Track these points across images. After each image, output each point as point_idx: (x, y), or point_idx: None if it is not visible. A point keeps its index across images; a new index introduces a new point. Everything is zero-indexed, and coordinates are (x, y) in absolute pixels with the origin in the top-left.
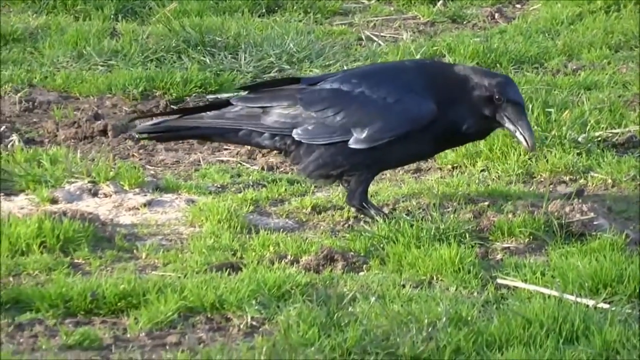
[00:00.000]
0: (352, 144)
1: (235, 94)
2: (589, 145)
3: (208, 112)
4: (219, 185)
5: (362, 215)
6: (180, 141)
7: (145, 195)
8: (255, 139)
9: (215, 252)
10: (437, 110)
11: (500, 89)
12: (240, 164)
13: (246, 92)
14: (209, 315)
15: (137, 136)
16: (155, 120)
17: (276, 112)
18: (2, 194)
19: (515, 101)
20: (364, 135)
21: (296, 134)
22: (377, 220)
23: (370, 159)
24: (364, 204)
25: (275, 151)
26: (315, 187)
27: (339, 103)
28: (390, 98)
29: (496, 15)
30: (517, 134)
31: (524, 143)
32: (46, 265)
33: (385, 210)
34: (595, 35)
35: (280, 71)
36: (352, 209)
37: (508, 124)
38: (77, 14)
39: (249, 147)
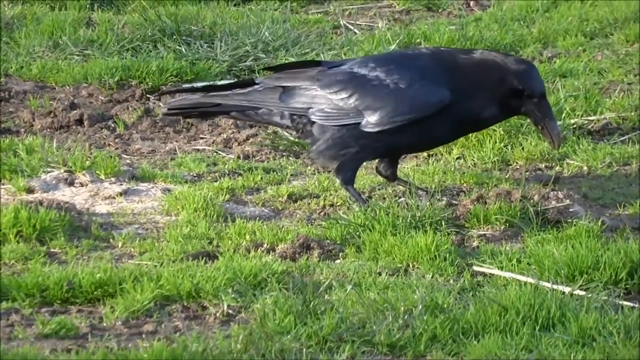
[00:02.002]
0: (364, 127)
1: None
2: (565, 132)
3: (233, 90)
4: (195, 174)
5: (346, 193)
6: (206, 119)
7: (122, 185)
8: (273, 118)
9: (192, 241)
10: (452, 97)
11: (530, 82)
12: (216, 152)
13: (271, 72)
14: (185, 304)
15: (163, 114)
16: (180, 96)
17: (295, 92)
18: None
19: (542, 95)
20: (375, 118)
21: (312, 113)
22: (355, 203)
23: (381, 142)
24: (348, 185)
25: (292, 130)
26: (291, 175)
27: (353, 86)
28: (403, 83)
29: (471, 3)
30: (545, 131)
31: (550, 141)
32: (22, 254)
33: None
34: (570, 23)
35: (256, 60)
36: (336, 182)
37: (534, 119)
38: (52, 3)
39: (225, 136)
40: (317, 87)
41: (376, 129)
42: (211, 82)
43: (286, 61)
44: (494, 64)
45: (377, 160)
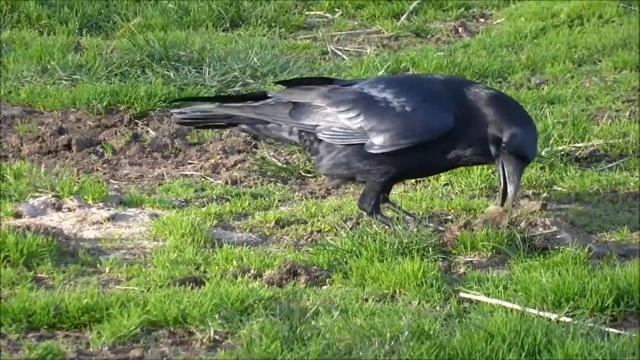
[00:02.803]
0: (368, 148)
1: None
2: (552, 159)
3: (244, 102)
4: (182, 200)
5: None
6: (215, 129)
7: (109, 210)
8: (282, 133)
9: (179, 266)
10: (455, 124)
11: (511, 136)
12: (204, 178)
13: (283, 87)
14: (172, 330)
15: (175, 122)
16: (194, 106)
17: (304, 109)
18: None
19: (518, 155)
20: (379, 140)
21: (319, 131)
22: (385, 227)
23: (385, 164)
24: (374, 212)
25: (298, 147)
26: (278, 201)
27: (361, 106)
28: (409, 106)
29: (460, 29)
30: (502, 187)
31: (500, 198)
32: (10, 279)
33: (350, 224)
34: (558, 50)
35: (245, 85)
36: (364, 215)
37: (502, 172)
38: (41, 28)
39: (213, 161)
40: (326, 105)
41: (380, 151)
42: (224, 94)
43: (275, 86)
44: (494, 108)
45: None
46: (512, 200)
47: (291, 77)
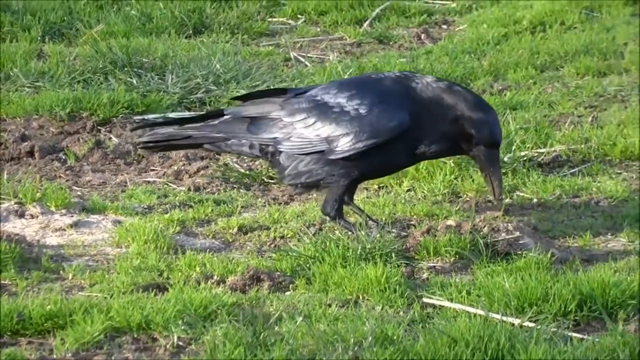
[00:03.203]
0: (328, 155)
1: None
2: (515, 164)
3: (202, 122)
4: (145, 206)
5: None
6: (176, 151)
7: (72, 216)
8: (243, 148)
9: (142, 273)
10: (411, 121)
11: (480, 129)
12: (167, 184)
13: (239, 102)
14: (136, 336)
15: (139, 147)
16: (153, 130)
17: (261, 123)
18: None
19: (491, 144)
20: (338, 146)
21: (278, 143)
22: (348, 232)
23: (347, 168)
24: (337, 217)
25: (261, 159)
26: (241, 207)
27: (316, 114)
28: (363, 109)
29: (422, 35)
30: (487, 179)
31: (491, 191)
32: None
33: (312, 230)
34: (521, 56)
35: (207, 92)
36: (326, 219)
37: (479, 165)
38: (3, 35)
39: (176, 168)
40: (282, 116)
41: (339, 156)
42: (183, 115)
43: (237, 93)
44: (454, 102)
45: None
46: (500, 189)
47: (254, 84)
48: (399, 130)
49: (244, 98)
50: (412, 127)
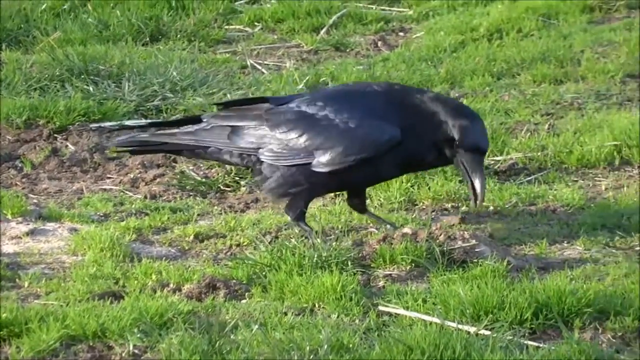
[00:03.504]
0: (315, 167)
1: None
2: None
3: (180, 128)
4: (101, 214)
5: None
6: (154, 154)
7: (28, 224)
8: (223, 156)
9: (98, 281)
10: (402, 135)
11: (462, 133)
12: (123, 192)
13: (218, 109)
14: (91, 344)
15: (113, 150)
16: (130, 134)
17: (243, 132)
18: None
19: (473, 149)
20: (326, 158)
21: (261, 153)
22: (308, 239)
23: (331, 180)
24: (298, 219)
25: (243, 168)
26: (197, 215)
27: (303, 126)
28: (353, 122)
29: (379, 43)
30: (469, 184)
31: (472, 197)
32: None
33: (269, 238)
34: (477, 63)
35: (164, 100)
36: (288, 219)
37: (463, 171)
38: None
39: (132, 175)
40: (265, 126)
41: (327, 169)
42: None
43: (194, 101)
44: (440, 111)
45: (346, 195)
46: (483, 195)
47: (211, 92)
48: (390, 145)
49: (224, 105)
50: (402, 140)
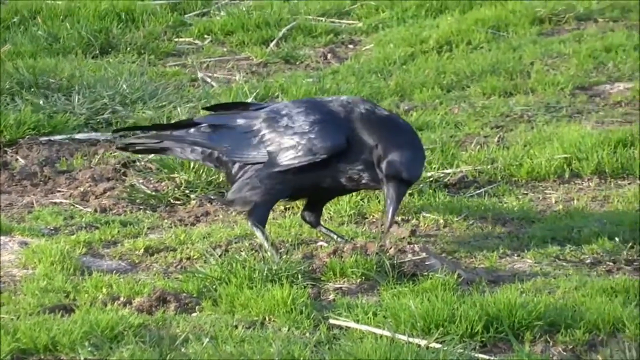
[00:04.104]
0: (269, 168)
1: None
2: (421, 185)
3: (174, 131)
4: (52, 228)
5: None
6: (153, 155)
7: None
8: (207, 158)
9: (49, 294)
10: (347, 146)
11: (388, 162)
12: (73, 206)
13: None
14: (42, 357)
15: (119, 147)
16: (137, 134)
17: (219, 133)
18: None
19: (393, 178)
20: (278, 160)
21: (227, 153)
22: (263, 249)
23: (286, 183)
24: (257, 225)
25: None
26: (148, 228)
27: (265, 127)
28: (306, 126)
29: (329, 55)
30: (385, 210)
31: (382, 224)
32: None
33: (219, 251)
34: (427, 76)
35: (114, 113)
36: (248, 224)
37: (385, 195)
38: None
39: (82, 189)
40: (237, 128)
41: (278, 169)
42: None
43: (144, 114)
44: (378, 130)
45: (302, 206)
46: (389, 222)
47: (160, 104)
48: (334, 151)
49: (214, 109)
50: (348, 150)
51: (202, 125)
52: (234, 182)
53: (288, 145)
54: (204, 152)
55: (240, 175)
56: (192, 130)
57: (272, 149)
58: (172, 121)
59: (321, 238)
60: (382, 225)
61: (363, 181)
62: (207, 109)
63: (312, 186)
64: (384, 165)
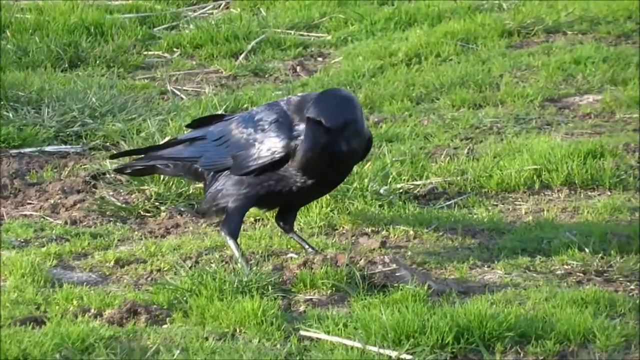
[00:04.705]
0: (233, 172)
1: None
2: (391, 197)
3: (162, 150)
4: (22, 240)
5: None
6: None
7: None
8: (187, 172)
9: (19, 307)
10: (288, 148)
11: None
12: (44, 218)
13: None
14: None
15: (116, 170)
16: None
17: (194, 145)
18: None
19: (312, 119)
20: (236, 165)
21: (201, 163)
22: (234, 260)
23: (249, 189)
24: (230, 236)
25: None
26: (118, 241)
27: (226, 135)
28: (265, 126)
29: (298, 68)
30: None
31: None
32: None
33: (189, 263)
34: (396, 88)
35: (83, 125)
36: (221, 234)
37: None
38: None
39: (52, 201)
40: (209, 137)
41: (241, 172)
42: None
43: (113, 127)
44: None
45: (275, 212)
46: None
47: (130, 117)
48: (277, 157)
49: (192, 125)
50: (293, 151)
51: (184, 141)
52: (206, 191)
53: (249, 148)
54: (184, 166)
55: (211, 183)
56: (177, 147)
57: (235, 153)
58: (143, 134)
59: (291, 249)
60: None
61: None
62: (189, 126)
63: (280, 190)
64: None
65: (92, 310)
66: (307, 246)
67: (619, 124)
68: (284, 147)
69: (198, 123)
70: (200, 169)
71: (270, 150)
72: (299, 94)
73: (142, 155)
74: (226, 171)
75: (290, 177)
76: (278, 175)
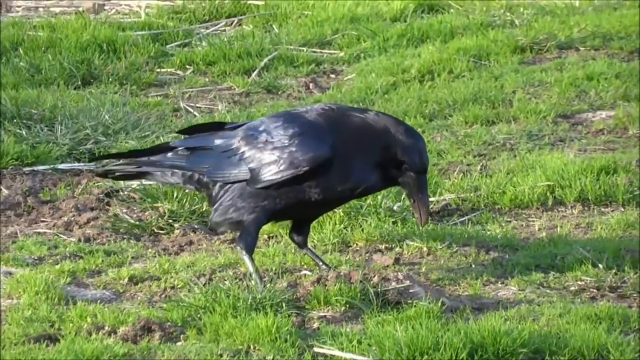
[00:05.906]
0: (252, 185)
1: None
2: (405, 213)
3: (151, 156)
4: (36, 257)
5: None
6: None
7: None
8: (187, 181)
9: (33, 324)
10: (332, 153)
11: (412, 156)
12: (57, 235)
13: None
14: None
15: (99, 174)
16: (114, 162)
17: (197, 154)
18: None
19: (421, 170)
20: (260, 176)
21: (208, 173)
22: (250, 277)
23: (268, 201)
24: (246, 252)
25: (203, 193)
26: (132, 258)
27: (243, 145)
28: (285, 140)
29: (311, 85)
30: (415, 205)
31: (418, 217)
32: None
33: (203, 280)
34: (409, 105)
35: (96, 143)
36: (237, 249)
37: (409, 192)
38: None
39: (66, 219)
40: (215, 148)
41: (260, 186)
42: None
43: (127, 144)
44: (384, 129)
45: (290, 226)
46: (427, 217)
47: (143, 134)
48: (318, 162)
49: (188, 132)
50: (337, 160)
51: (179, 148)
52: (215, 203)
53: (269, 161)
54: (184, 174)
55: (222, 196)
56: (169, 154)
57: (253, 166)
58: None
59: (305, 266)
60: (416, 217)
61: (361, 189)
62: (182, 132)
63: (298, 202)
64: (408, 159)
65: (106, 328)
66: (321, 263)
67: (632, 140)
68: (309, 160)
69: (192, 130)
70: (205, 179)
71: (294, 163)
72: (322, 104)
73: (127, 160)
74: (237, 184)
75: (307, 189)
76: (296, 189)
